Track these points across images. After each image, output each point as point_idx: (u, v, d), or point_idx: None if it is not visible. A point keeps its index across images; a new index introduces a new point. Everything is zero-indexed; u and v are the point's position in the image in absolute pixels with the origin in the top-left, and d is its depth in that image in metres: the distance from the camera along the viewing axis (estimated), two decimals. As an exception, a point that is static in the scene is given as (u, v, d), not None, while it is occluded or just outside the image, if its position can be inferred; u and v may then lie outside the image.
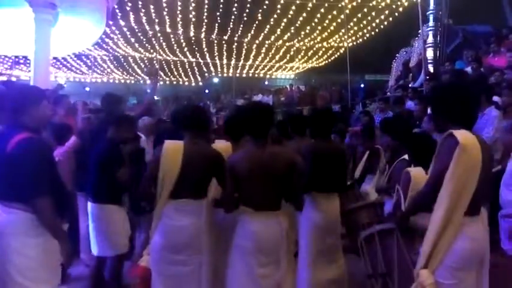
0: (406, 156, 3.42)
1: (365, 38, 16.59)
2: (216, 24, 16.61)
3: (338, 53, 19.10)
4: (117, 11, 13.65)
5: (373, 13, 14.77)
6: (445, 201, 2.11)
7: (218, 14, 15.55)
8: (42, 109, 2.47)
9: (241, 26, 16.26)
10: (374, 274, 2.74)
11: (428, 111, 6.34)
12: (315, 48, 19.63)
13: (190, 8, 14.63)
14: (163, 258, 2.74)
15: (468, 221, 2.14)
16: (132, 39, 17.36)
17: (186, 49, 19.33)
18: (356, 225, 3.35)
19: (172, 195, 2.73)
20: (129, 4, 13.83)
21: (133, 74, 23.20)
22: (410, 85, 8.98)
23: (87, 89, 21.93)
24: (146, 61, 20.62)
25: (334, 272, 3.36)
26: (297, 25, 15.74)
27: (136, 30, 16.43)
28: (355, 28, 15.74)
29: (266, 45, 19.06)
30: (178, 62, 21.54)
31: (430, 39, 9.44)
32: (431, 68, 9.08)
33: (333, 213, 3.34)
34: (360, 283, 3.59)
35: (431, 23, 9.52)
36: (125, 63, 21.54)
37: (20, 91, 2.53)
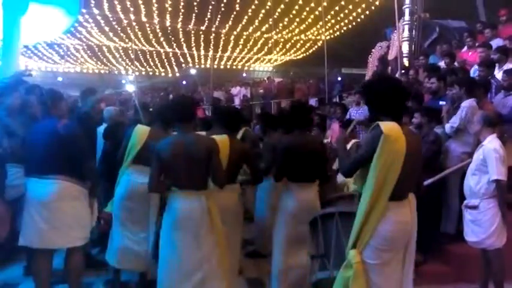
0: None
1: (342, 31, 16.72)
2: (193, 14, 16.38)
3: (316, 46, 19.19)
4: (91, -2, 13.26)
5: (350, 6, 14.88)
6: (370, 186, 2.26)
7: (195, 3, 15.32)
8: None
9: (219, 16, 16.08)
10: (315, 255, 2.89)
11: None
12: (293, 41, 19.66)
13: (167, -3, 14.37)
14: (123, 206, 3.60)
15: (393, 206, 2.30)
16: (106, 28, 16.94)
17: (162, 39, 19.00)
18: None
19: (133, 162, 3.62)
20: (103, -8, 13.47)
21: (108, 64, 22.66)
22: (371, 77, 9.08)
23: (60, 79, 21.30)
24: (121, 51, 20.17)
25: (303, 258, 3.42)
26: (275, 17, 15.69)
27: (111, 19, 16.02)
28: (333, 21, 15.83)
29: (244, 37, 18.96)
30: (154, 52, 21.17)
31: (406, 33, 9.57)
32: (406, 62, 9.22)
33: (307, 202, 3.42)
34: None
35: (406, 17, 9.65)
36: (99, 53, 21.01)
37: None
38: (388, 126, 2.28)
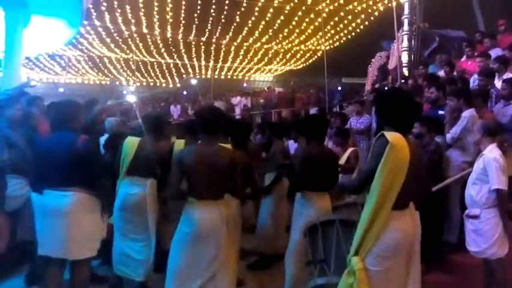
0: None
1: (342, 41, 16.82)
2: (194, 25, 16.50)
3: (316, 56, 19.30)
4: (92, 10, 13.37)
5: (350, 17, 15.00)
6: (375, 195, 2.30)
7: (196, 14, 15.44)
8: None
9: (219, 27, 16.20)
10: (313, 260, 2.93)
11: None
12: (293, 51, 19.77)
13: (168, 9, 14.47)
14: (120, 216, 3.69)
15: (396, 215, 2.33)
16: (108, 40, 17.04)
17: (163, 50, 19.12)
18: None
19: (127, 173, 3.71)
20: (105, 4, 13.57)
21: (109, 74, 22.78)
22: (386, 88, 9.13)
23: (61, 90, 21.41)
24: (122, 62, 20.28)
25: None
26: (275, 27, 15.81)
27: (112, 31, 16.14)
28: (332, 31, 15.94)
29: (244, 47, 19.07)
30: (155, 63, 21.29)
31: (405, 43, 9.64)
32: (406, 72, 9.27)
33: (325, 210, 3.48)
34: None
35: (405, 27, 9.72)
36: (100, 64, 21.12)
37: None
38: (394, 136, 2.32)
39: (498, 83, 5.38)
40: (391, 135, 2.31)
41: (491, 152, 3.44)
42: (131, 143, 3.77)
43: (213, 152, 3.00)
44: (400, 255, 2.37)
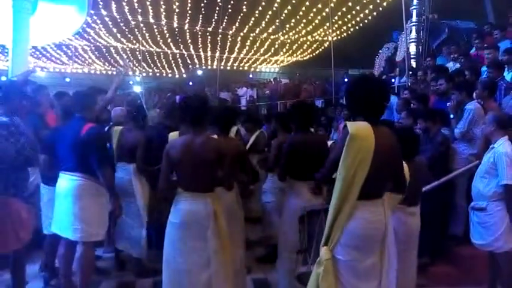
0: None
1: (349, 32, 16.67)
2: (200, 16, 16.42)
3: (322, 47, 19.16)
4: (99, 0, 13.35)
5: (358, 7, 14.84)
6: (338, 185, 2.27)
7: (202, 4, 15.36)
8: None
9: (226, 17, 16.10)
10: (300, 250, 2.95)
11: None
12: (299, 42, 19.64)
13: (174, -1, 14.42)
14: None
15: (362, 205, 2.29)
16: (114, 30, 17.03)
17: (169, 40, 19.08)
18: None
19: (118, 160, 4.18)
20: (111, -7, 13.55)
21: (115, 64, 22.77)
22: (393, 80, 9.06)
23: (68, 79, 21.45)
24: (129, 52, 20.27)
25: None
26: (282, 18, 15.68)
27: (119, 20, 16.11)
28: (340, 22, 15.79)
29: (251, 38, 18.97)
30: (161, 53, 21.25)
31: (413, 34, 9.54)
32: (414, 63, 9.19)
33: (311, 200, 3.40)
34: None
35: (414, 18, 9.61)
36: (106, 54, 21.13)
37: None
38: (356, 126, 2.28)
39: (508, 75, 5.32)
40: (353, 126, 2.27)
41: (503, 146, 3.39)
42: (116, 132, 4.16)
43: (199, 144, 2.92)
44: (370, 246, 2.32)
